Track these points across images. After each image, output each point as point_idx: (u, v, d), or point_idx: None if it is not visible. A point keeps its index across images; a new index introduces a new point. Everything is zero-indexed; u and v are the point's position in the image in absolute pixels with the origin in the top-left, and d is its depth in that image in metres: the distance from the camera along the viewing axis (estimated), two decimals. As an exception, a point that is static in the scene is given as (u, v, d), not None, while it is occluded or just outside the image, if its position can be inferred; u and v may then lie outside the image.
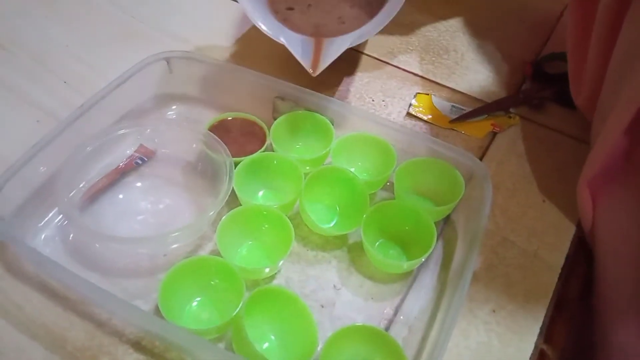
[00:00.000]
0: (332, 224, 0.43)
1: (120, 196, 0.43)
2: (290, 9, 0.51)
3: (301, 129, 0.47)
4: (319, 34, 0.50)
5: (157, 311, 0.36)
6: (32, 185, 0.41)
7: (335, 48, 0.46)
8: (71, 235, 0.41)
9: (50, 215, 0.42)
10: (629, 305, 0.41)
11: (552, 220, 0.45)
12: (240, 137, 0.46)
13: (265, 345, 0.36)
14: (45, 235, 0.41)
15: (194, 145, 0.45)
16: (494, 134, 0.52)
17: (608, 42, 0.40)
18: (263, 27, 0.48)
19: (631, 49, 0.37)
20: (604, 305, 0.43)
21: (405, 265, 0.40)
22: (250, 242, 0.40)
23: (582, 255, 0.44)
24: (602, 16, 0.40)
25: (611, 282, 0.42)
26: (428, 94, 0.54)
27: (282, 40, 0.47)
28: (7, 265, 0.39)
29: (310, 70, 0.44)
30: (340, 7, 0.53)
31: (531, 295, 0.41)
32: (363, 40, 0.49)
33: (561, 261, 0.43)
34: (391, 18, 0.48)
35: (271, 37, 0.47)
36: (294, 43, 0.46)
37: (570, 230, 0.45)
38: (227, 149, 0.42)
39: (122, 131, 0.43)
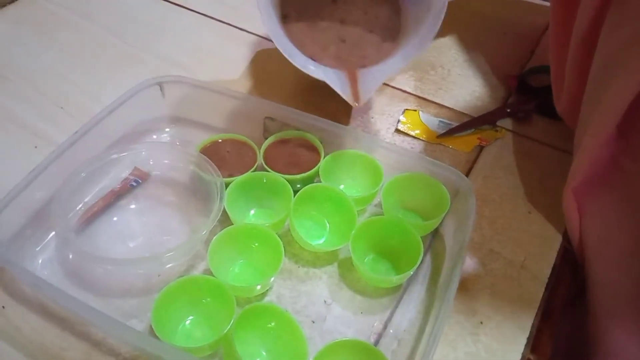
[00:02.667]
0: (322, 241, 0.44)
1: (115, 218, 0.44)
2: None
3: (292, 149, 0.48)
4: (352, 66, 0.49)
5: (152, 330, 0.37)
6: (30, 210, 0.42)
7: (372, 79, 0.46)
8: (68, 257, 0.42)
9: (48, 238, 0.43)
10: (621, 310, 0.41)
11: (538, 231, 0.46)
12: (231, 157, 0.47)
13: (257, 361, 0.36)
14: (43, 259, 0.42)
15: (187, 167, 0.46)
16: (480, 148, 0.53)
17: (586, 53, 0.41)
18: (311, 68, 0.46)
19: (608, 58, 0.38)
20: (595, 312, 0.44)
21: (394, 279, 0.41)
22: (241, 260, 0.42)
23: (569, 264, 0.45)
24: (579, 29, 0.41)
25: (602, 288, 0.43)
26: (416, 110, 0.56)
27: (322, 76, 0.46)
28: (5, 288, 0.40)
29: (355, 104, 0.45)
30: (366, 38, 0.51)
31: (518, 306, 0.41)
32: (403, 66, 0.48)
33: (547, 271, 0.44)
34: (430, 40, 0.47)
35: (313, 75, 0.46)
36: (333, 78, 0.46)
37: (556, 241, 0.46)
38: (218, 170, 0.44)
39: (117, 155, 0.45)
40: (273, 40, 0.45)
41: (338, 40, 0.49)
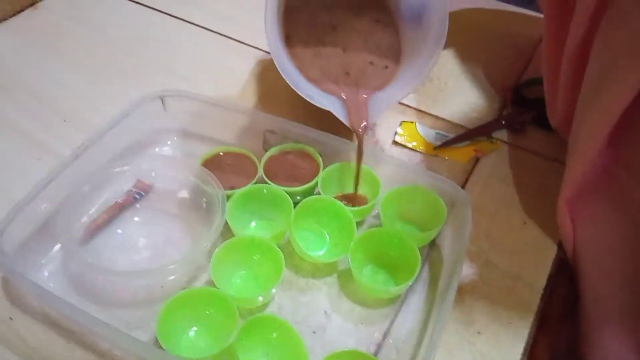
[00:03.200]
0: (321, 252, 0.45)
1: (119, 230, 0.45)
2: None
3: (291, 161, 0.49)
4: (355, 94, 0.49)
5: (155, 341, 0.38)
6: (35, 222, 0.43)
7: (377, 106, 0.47)
8: (73, 269, 0.43)
9: (53, 250, 0.44)
10: (614, 318, 0.42)
11: (533, 242, 0.47)
12: (232, 170, 0.48)
13: (259, 371, 0.37)
14: (49, 270, 0.43)
15: (189, 180, 0.47)
16: (477, 159, 0.54)
17: (579, 67, 0.42)
18: (315, 98, 0.47)
19: (602, 68, 0.39)
20: (590, 321, 0.45)
21: (393, 290, 0.42)
22: (243, 272, 0.42)
23: (564, 275, 0.46)
24: (571, 43, 0.42)
25: (597, 296, 0.44)
26: (413, 122, 0.57)
27: (325, 105, 0.46)
28: (12, 299, 0.41)
29: (358, 131, 0.45)
30: (368, 70, 0.51)
31: (515, 315, 0.42)
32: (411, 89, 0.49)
33: (543, 281, 0.45)
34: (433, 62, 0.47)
35: (314, 103, 0.46)
36: (336, 107, 0.47)
37: (551, 251, 0.47)
38: (220, 183, 0.44)
39: (120, 168, 0.46)
40: (278, 67, 0.46)
41: (342, 72, 0.49)
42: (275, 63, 0.46)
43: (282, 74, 0.46)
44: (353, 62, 0.51)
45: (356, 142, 0.46)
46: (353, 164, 0.48)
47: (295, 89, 0.46)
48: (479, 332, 0.41)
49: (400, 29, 0.52)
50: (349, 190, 0.48)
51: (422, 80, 0.48)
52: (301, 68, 0.49)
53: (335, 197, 0.46)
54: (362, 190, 0.48)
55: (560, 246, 0.47)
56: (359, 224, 0.47)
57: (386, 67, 0.50)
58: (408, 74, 0.49)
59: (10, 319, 0.40)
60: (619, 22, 0.36)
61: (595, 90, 0.39)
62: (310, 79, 0.49)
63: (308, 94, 0.46)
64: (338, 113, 0.46)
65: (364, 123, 0.46)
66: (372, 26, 0.52)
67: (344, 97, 0.48)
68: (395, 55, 0.51)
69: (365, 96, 0.48)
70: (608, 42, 0.38)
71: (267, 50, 0.64)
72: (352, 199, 0.47)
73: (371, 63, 0.50)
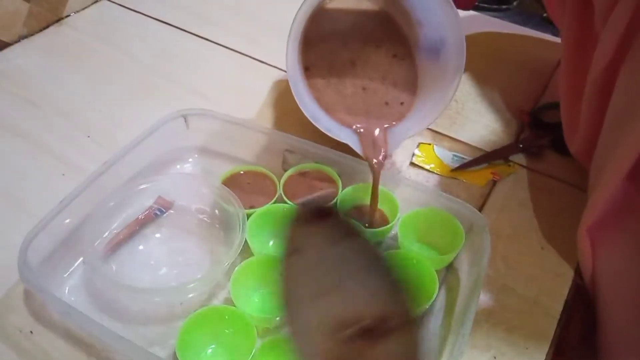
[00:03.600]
0: (339, 272, 0.45)
1: (141, 247, 0.46)
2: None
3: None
4: (374, 124, 0.50)
5: (174, 357, 0.38)
6: (59, 237, 0.44)
7: (395, 139, 0.48)
8: (95, 284, 0.43)
9: (75, 265, 0.44)
10: (633, 347, 0.42)
11: (550, 267, 0.47)
12: (252, 189, 0.49)
13: (276, 391, 0.38)
14: (70, 285, 0.43)
15: (209, 198, 0.48)
16: (494, 182, 0.54)
17: (602, 96, 0.42)
18: (334, 132, 0.48)
19: (629, 98, 0.39)
20: (607, 348, 0.45)
21: (409, 312, 0.42)
22: (262, 291, 0.43)
23: (581, 300, 0.46)
24: (595, 72, 0.42)
25: (614, 326, 0.44)
26: (430, 144, 0.57)
27: (342, 138, 0.47)
28: (35, 314, 0.42)
29: (374, 164, 0.46)
30: (385, 110, 0.52)
31: (531, 341, 0.42)
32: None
33: (560, 307, 0.44)
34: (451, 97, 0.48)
35: (331, 135, 0.47)
36: (354, 140, 0.47)
37: (568, 276, 0.47)
38: (240, 202, 0.45)
39: (142, 185, 0.46)
40: (295, 98, 0.47)
41: (361, 107, 0.50)
42: (293, 93, 0.47)
43: (299, 105, 0.47)
44: (371, 98, 0.51)
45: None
46: (371, 185, 0.48)
47: (312, 122, 0.47)
48: (494, 358, 0.41)
49: (417, 60, 0.53)
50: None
51: (439, 114, 0.48)
52: (319, 99, 0.50)
53: (351, 210, 0.47)
54: (380, 211, 0.48)
55: (577, 272, 0.47)
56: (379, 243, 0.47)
57: (402, 103, 0.51)
58: (426, 107, 0.50)
59: (31, 332, 0.41)
60: None
61: (622, 122, 0.39)
62: (327, 110, 0.50)
63: (325, 127, 0.47)
64: (355, 146, 0.47)
65: (381, 155, 0.46)
66: (389, 61, 0.53)
67: (361, 130, 0.49)
68: (411, 88, 0.52)
69: (381, 129, 0.49)
70: (635, 74, 0.38)
71: (287, 70, 0.66)
72: (368, 214, 0.48)
73: (386, 103, 0.51)
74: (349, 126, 0.49)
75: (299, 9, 0.46)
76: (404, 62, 0.53)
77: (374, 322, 0.24)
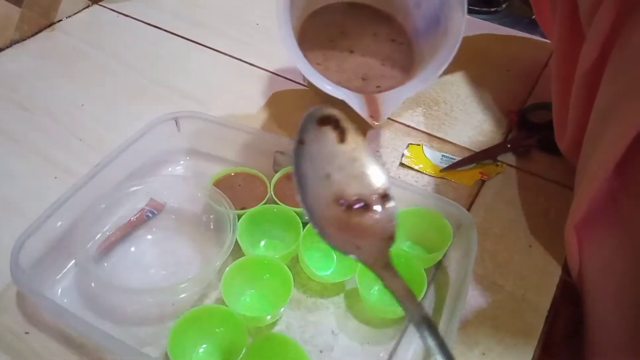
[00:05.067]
0: (329, 272, 0.45)
1: (132, 248, 0.46)
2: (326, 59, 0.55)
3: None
4: (368, 89, 0.53)
5: (166, 357, 0.39)
6: (51, 239, 0.44)
7: (391, 100, 0.50)
8: (87, 286, 0.44)
9: (68, 267, 0.45)
10: (619, 342, 0.43)
11: (538, 264, 0.48)
12: (243, 190, 0.49)
13: (267, 389, 0.38)
14: (63, 287, 0.44)
15: (200, 199, 0.48)
16: (482, 182, 0.55)
17: (589, 92, 0.42)
18: (327, 87, 0.49)
19: (610, 98, 0.39)
20: (594, 344, 0.45)
21: (399, 310, 0.43)
22: (252, 291, 0.43)
23: (568, 297, 0.47)
24: (582, 68, 0.43)
25: (600, 322, 0.44)
26: (419, 145, 0.58)
27: (341, 96, 0.49)
28: (27, 315, 0.42)
29: (374, 123, 0.48)
30: (384, 78, 0.56)
31: (519, 338, 0.43)
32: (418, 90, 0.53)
33: (547, 304, 0.45)
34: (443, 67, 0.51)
35: (330, 93, 0.49)
36: (352, 98, 0.49)
37: (556, 273, 0.47)
38: (231, 202, 0.46)
39: (134, 187, 0.47)
40: (295, 61, 0.48)
41: (359, 77, 0.53)
42: (293, 56, 0.48)
43: (297, 63, 0.48)
44: (369, 70, 0.54)
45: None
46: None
47: (309, 78, 0.48)
48: (483, 354, 0.42)
49: (415, 44, 0.56)
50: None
51: (434, 78, 0.51)
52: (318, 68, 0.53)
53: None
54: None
55: (564, 269, 0.47)
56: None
57: (397, 77, 0.55)
58: (423, 74, 0.52)
59: (25, 333, 0.41)
60: (630, 50, 0.37)
61: (605, 119, 0.40)
62: (325, 74, 0.52)
63: (322, 85, 0.49)
64: (353, 104, 0.48)
65: (380, 114, 0.48)
66: (389, 46, 0.56)
67: (358, 91, 0.51)
68: (408, 68, 0.55)
69: (375, 92, 0.51)
70: (619, 70, 0.38)
71: (279, 73, 0.66)
72: None
73: (383, 75, 0.54)
74: (346, 87, 0.51)
75: None
76: (402, 47, 0.56)
77: (364, 198, 0.34)
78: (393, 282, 0.32)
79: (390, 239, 0.34)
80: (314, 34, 0.56)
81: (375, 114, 0.48)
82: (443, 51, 0.52)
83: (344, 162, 0.35)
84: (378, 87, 0.54)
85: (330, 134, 0.35)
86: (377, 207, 0.35)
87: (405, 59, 0.56)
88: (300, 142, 0.34)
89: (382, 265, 0.32)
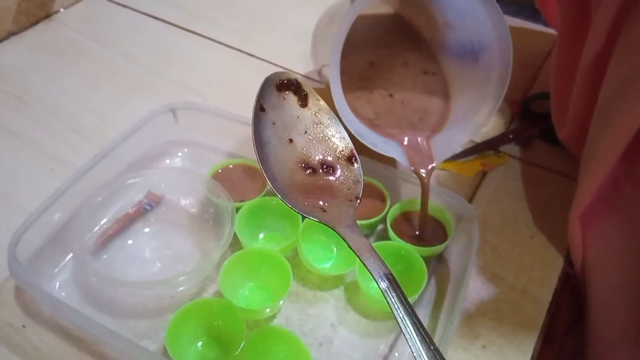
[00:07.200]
0: (329, 265, 0.45)
1: (130, 241, 0.46)
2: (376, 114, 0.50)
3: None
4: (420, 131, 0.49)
5: (164, 350, 0.38)
6: (48, 232, 0.44)
7: (443, 146, 0.47)
8: (85, 279, 0.43)
9: (65, 260, 0.44)
10: (622, 333, 0.42)
11: (540, 256, 0.47)
12: (242, 182, 0.49)
13: (266, 382, 0.38)
14: (60, 280, 0.43)
15: (198, 191, 0.48)
16: (484, 173, 0.54)
17: (594, 82, 0.42)
18: (379, 147, 0.46)
19: (616, 88, 0.39)
20: (596, 335, 0.45)
21: (399, 302, 0.42)
22: (251, 283, 0.43)
23: (569, 289, 0.46)
24: (586, 58, 0.42)
25: (604, 311, 0.44)
26: (420, 136, 0.57)
27: (389, 152, 0.46)
28: (25, 308, 0.42)
29: (422, 173, 0.45)
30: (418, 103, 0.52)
31: (520, 330, 0.42)
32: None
33: (549, 296, 0.45)
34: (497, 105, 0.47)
35: (377, 150, 0.45)
36: (398, 153, 0.46)
37: (557, 265, 0.47)
38: (229, 195, 0.45)
39: (131, 180, 0.46)
40: (340, 115, 0.43)
41: (404, 125, 0.50)
42: (338, 111, 0.43)
43: (344, 121, 0.42)
44: (406, 111, 0.51)
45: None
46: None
47: (358, 138, 0.44)
48: (484, 346, 0.41)
49: (445, 67, 0.52)
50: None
51: (484, 123, 0.47)
52: (355, 113, 0.48)
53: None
54: (368, 204, 0.48)
55: (566, 260, 0.47)
56: (366, 236, 0.47)
57: (436, 114, 0.51)
58: (468, 114, 0.48)
59: (23, 326, 0.41)
60: (637, 36, 0.36)
61: (611, 108, 0.39)
62: (369, 125, 0.49)
63: (371, 142, 0.45)
64: (401, 159, 0.46)
65: (430, 166, 0.45)
66: (420, 77, 0.53)
67: (405, 142, 0.48)
68: (443, 98, 0.52)
69: (423, 139, 0.48)
70: (626, 56, 0.37)
71: (278, 63, 0.65)
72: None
73: (421, 118, 0.50)
74: (393, 138, 0.48)
75: (343, 22, 0.42)
76: (435, 77, 0.52)
77: (328, 161, 0.35)
78: (356, 241, 0.31)
79: (356, 199, 0.34)
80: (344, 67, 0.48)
81: (422, 163, 0.46)
82: (485, 108, 0.48)
83: (306, 126, 0.35)
84: (427, 125, 0.50)
85: (291, 99, 0.36)
86: (343, 169, 0.35)
87: (441, 88, 0.52)
88: (261, 109, 0.35)
89: (346, 225, 0.32)
